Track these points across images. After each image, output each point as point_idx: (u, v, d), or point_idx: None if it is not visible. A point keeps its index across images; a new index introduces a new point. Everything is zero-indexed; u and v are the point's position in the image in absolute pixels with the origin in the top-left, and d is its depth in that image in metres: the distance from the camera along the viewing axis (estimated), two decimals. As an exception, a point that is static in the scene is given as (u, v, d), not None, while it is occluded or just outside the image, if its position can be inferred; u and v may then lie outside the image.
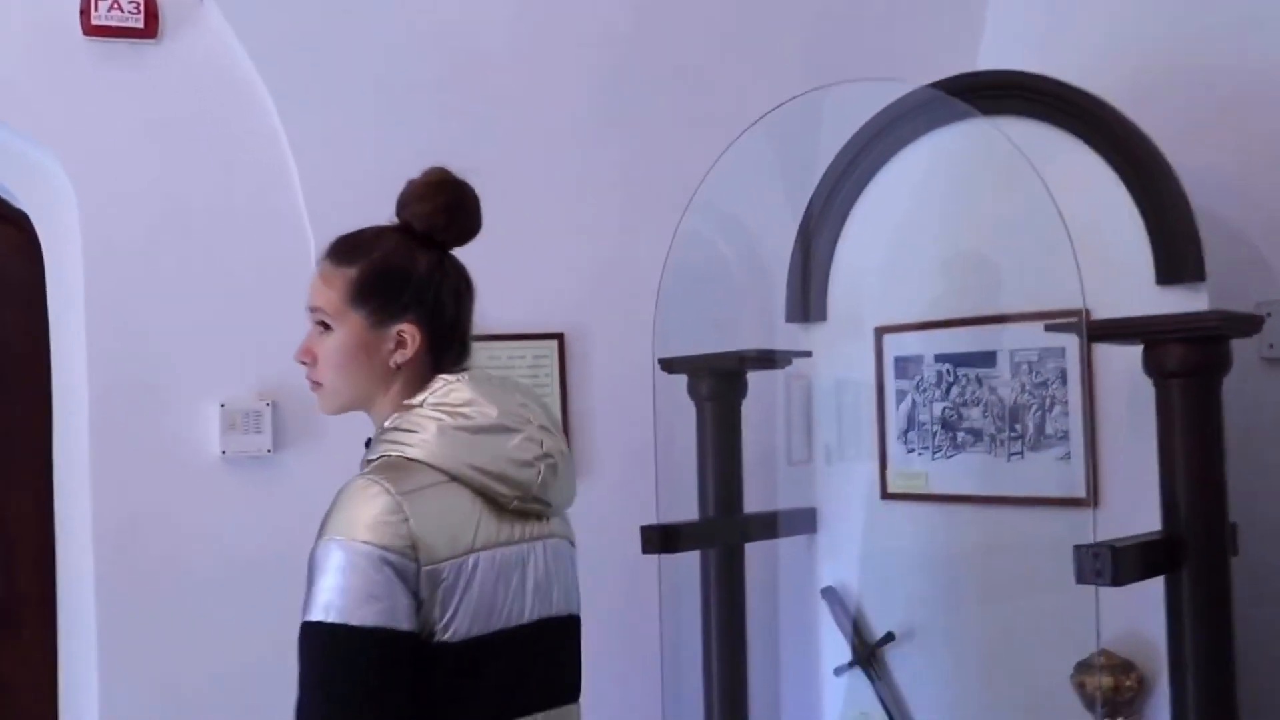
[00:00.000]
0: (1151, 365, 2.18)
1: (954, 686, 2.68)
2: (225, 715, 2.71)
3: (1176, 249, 2.32)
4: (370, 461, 1.50)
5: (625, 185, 3.08)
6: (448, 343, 1.57)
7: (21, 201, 2.79)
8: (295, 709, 1.38)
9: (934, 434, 2.73)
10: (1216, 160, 2.70)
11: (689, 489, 2.88)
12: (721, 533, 2.88)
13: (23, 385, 2.81)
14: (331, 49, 2.81)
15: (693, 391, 2.90)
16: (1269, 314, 2.54)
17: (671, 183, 2.74)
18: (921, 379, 2.77)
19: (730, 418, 2.89)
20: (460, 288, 1.59)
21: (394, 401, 1.55)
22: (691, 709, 2.87)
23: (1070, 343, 2.47)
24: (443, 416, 1.48)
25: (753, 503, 2.93)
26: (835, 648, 2.89)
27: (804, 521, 2.97)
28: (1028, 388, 2.57)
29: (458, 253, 1.61)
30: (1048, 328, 2.45)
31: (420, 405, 1.51)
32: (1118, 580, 1.99)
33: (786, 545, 3.01)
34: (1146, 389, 2.20)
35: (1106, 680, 2.32)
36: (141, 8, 2.65)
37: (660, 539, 2.64)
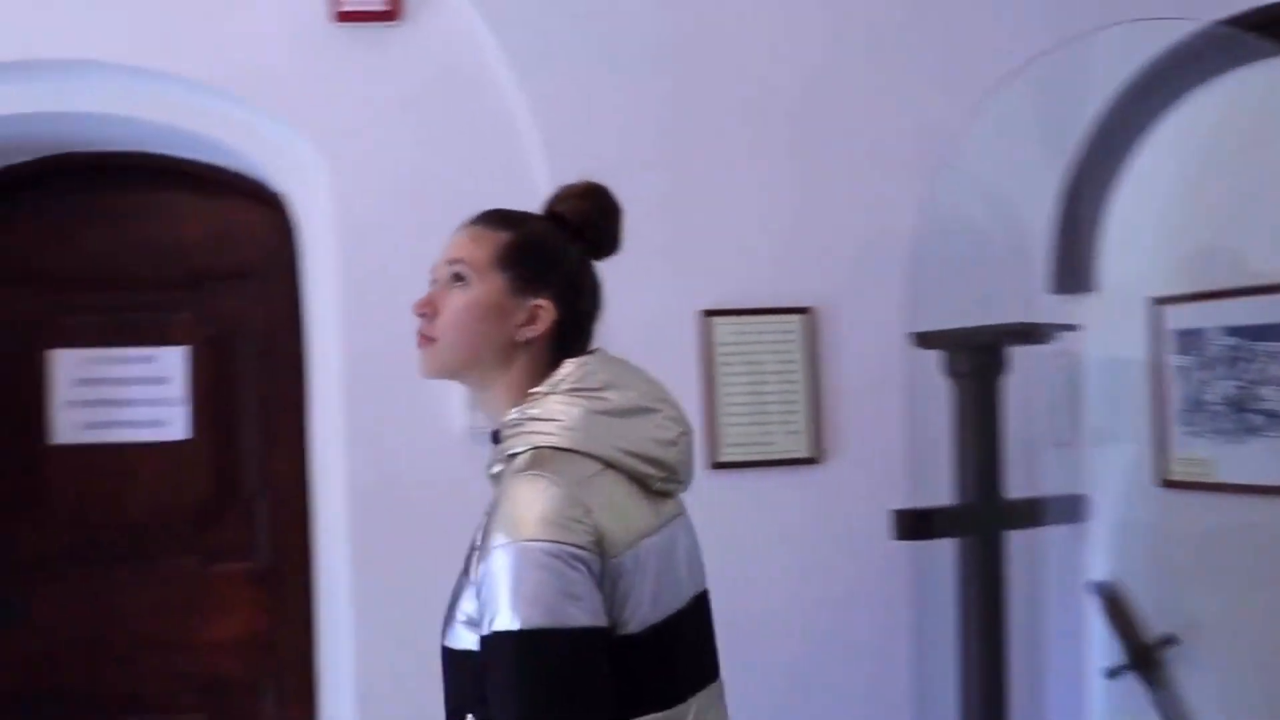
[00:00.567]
0: None
1: (1249, 698, 2.51)
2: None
3: None
4: (512, 456, 1.44)
5: (875, 145, 2.91)
6: (575, 334, 1.52)
7: (279, 184, 2.94)
8: None
9: (1223, 416, 2.59)
10: None
11: (943, 473, 2.72)
12: (981, 519, 2.70)
13: (284, 356, 2.97)
14: (573, 22, 2.80)
15: (948, 368, 2.74)
16: None
17: (925, 144, 2.61)
18: (1207, 355, 2.63)
19: (988, 396, 2.72)
20: (598, 289, 1.56)
21: (514, 386, 1.49)
22: (943, 712, 2.72)
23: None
24: (585, 401, 1.43)
25: (1013, 488, 2.74)
26: (1105, 649, 2.74)
27: (1072, 509, 2.78)
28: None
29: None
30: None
31: (553, 392, 1.45)
32: None
33: (1049, 535, 2.83)
34: None
35: None
36: (384, -10, 2.74)
37: (914, 524, 2.50)
